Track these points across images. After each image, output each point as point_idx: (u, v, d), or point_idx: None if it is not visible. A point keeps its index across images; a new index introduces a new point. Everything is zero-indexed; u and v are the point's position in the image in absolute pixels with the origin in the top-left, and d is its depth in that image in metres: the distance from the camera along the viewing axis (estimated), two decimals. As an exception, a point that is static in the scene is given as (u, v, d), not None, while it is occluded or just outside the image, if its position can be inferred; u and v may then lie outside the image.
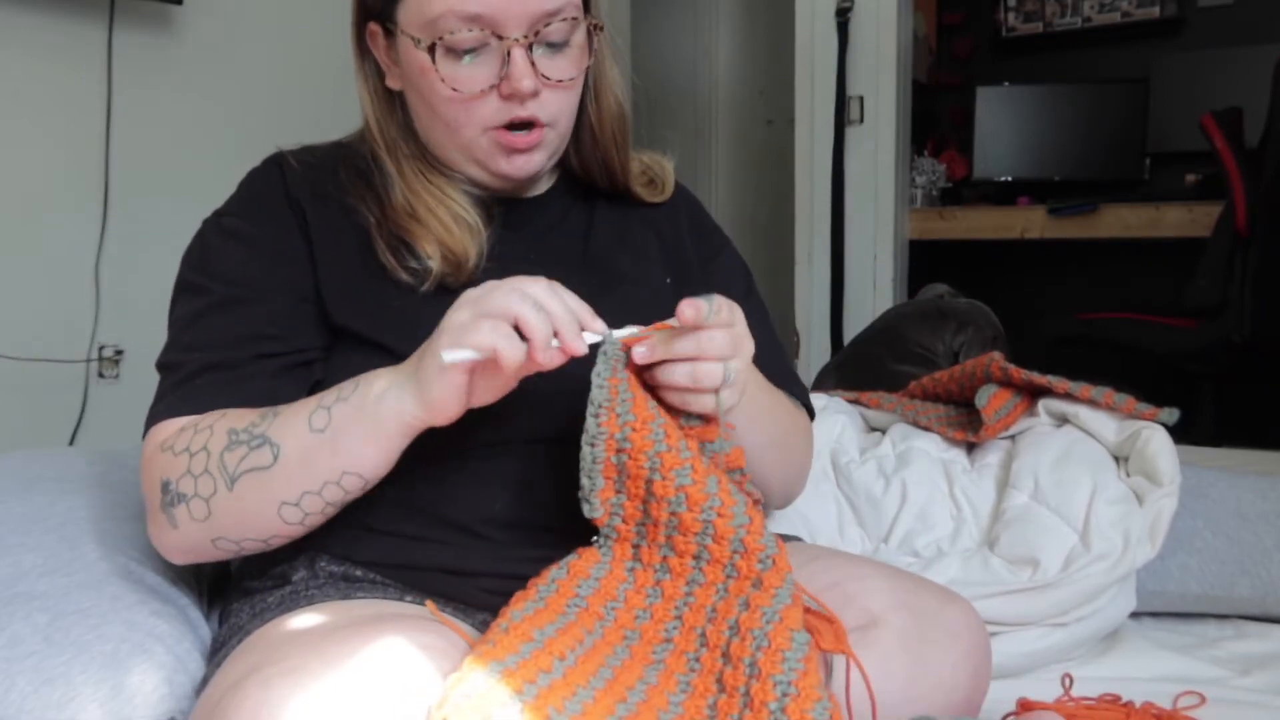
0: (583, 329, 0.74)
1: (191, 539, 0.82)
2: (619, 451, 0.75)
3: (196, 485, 0.79)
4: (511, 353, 0.71)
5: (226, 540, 0.82)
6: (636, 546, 0.78)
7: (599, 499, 0.76)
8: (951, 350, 1.84)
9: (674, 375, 0.76)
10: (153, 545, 0.86)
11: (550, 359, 0.73)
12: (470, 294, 0.74)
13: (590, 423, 0.74)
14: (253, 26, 2.52)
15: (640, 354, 0.76)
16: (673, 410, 0.79)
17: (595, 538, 0.78)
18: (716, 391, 0.77)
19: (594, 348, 0.75)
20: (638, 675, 0.70)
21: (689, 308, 0.74)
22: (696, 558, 0.75)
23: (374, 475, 0.80)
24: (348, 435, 0.77)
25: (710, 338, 0.75)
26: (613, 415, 0.74)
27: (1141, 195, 3.25)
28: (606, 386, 0.75)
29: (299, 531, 0.82)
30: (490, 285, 0.74)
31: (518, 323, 0.71)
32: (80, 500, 0.98)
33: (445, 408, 0.75)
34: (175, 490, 0.80)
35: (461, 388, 0.74)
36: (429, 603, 0.80)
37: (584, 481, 0.76)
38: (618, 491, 0.76)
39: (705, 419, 0.80)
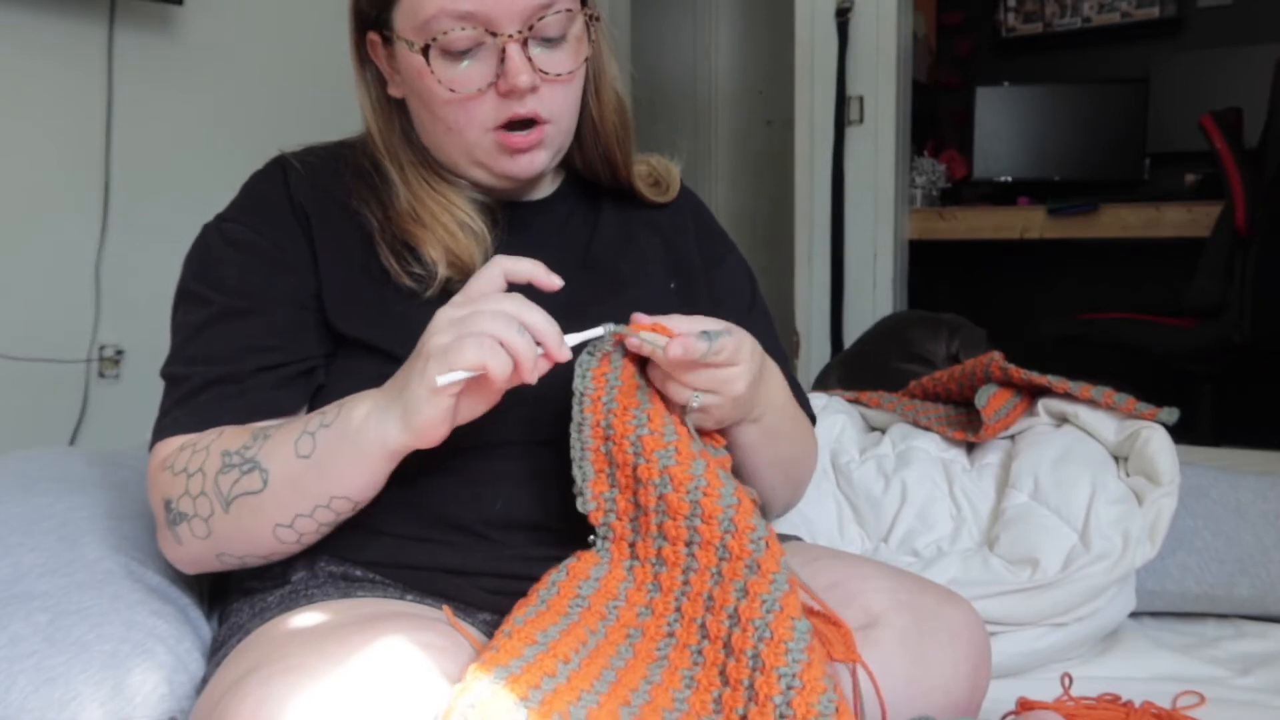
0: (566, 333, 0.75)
1: (196, 554, 0.83)
2: (606, 439, 0.76)
3: (195, 505, 0.80)
4: (500, 368, 0.71)
5: (230, 556, 0.83)
6: (632, 544, 0.78)
7: (591, 490, 0.77)
8: (950, 354, 1.84)
9: (654, 371, 0.80)
10: (162, 554, 0.87)
11: (538, 370, 0.74)
12: (446, 316, 0.74)
13: (575, 410, 0.77)
14: (253, 26, 2.52)
15: (633, 344, 0.79)
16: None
17: (591, 536, 0.78)
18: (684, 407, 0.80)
19: (577, 348, 0.77)
20: (642, 675, 0.70)
21: (678, 347, 0.76)
22: (689, 544, 0.74)
23: (362, 498, 0.80)
24: (332, 461, 0.77)
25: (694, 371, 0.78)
26: (597, 403, 0.77)
27: (1141, 195, 3.25)
28: (590, 376, 0.78)
29: (297, 549, 0.83)
30: (466, 309, 0.73)
31: (503, 344, 0.71)
32: (80, 500, 0.98)
33: (432, 431, 0.75)
34: (176, 510, 0.81)
35: (450, 409, 0.74)
36: (445, 608, 0.80)
37: (575, 472, 0.76)
38: (610, 485, 0.77)
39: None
